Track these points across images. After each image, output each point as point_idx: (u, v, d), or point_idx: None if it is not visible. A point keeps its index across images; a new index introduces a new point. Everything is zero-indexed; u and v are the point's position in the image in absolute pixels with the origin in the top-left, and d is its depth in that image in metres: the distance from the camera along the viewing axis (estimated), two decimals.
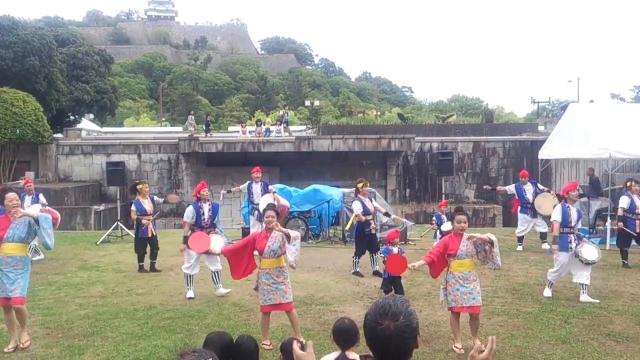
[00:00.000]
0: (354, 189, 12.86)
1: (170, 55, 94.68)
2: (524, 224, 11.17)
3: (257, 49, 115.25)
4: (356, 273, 8.80)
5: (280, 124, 23.42)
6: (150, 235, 9.29)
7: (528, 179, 11.37)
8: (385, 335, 1.76)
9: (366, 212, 8.80)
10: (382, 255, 7.49)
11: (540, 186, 11.37)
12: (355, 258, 8.94)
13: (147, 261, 9.38)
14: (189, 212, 7.61)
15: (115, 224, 13.59)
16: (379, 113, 50.63)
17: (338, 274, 8.94)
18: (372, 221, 8.86)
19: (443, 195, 15.23)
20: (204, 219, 7.59)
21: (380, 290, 7.46)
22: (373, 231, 8.85)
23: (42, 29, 27.18)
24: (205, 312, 6.78)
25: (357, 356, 2.83)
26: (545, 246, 10.68)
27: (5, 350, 5.42)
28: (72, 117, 28.03)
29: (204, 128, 25.98)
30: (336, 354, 3.05)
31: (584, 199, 12.77)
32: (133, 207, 9.29)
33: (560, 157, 14.51)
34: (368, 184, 9.24)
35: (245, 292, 7.44)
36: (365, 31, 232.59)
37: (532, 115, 49.50)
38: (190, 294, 7.45)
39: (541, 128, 25.06)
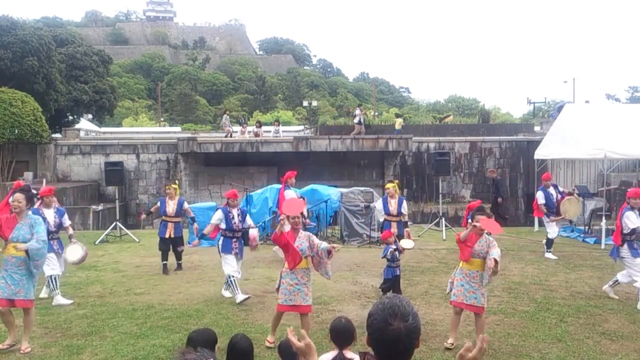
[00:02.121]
0: (352, 189, 12.95)
1: (169, 55, 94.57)
2: (553, 227, 10.53)
3: (255, 50, 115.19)
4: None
5: (361, 121, 22.84)
6: (168, 236, 9.16)
7: (551, 182, 10.94)
8: (395, 335, 1.78)
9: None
10: (384, 256, 7.52)
11: (560, 188, 10.95)
12: None
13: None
14: (218, 216, 7.55)
15: (114, 223, 13.61)
16: (376, 113, 50.72)
17: (336, 273, 8.94)
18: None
19: (440, 195, 15.29)
20: (235, 223, 7.52)
21: (378, 289, 7.50)
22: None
23: (41, 29, 27.14)
24: (203, 312, 6.81)
25: (355, 355, 2.86)
26: (549, 255, 10.17)
27: (1, 346, 5.40)
28: (70, 117, 27.97)
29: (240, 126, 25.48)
30: (334, 353, 3.08)
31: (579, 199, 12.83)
32: (157, 204, 9.27)
33: (556, 157, 14.59)
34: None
35: (244, 292, 7.47)
36: (363, 32, 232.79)
37: (528, 116, 49.68)
38: (240, 297, 7.14)
39: (537, 128, 25.14)
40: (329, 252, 5.44)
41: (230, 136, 22.34)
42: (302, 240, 5.48)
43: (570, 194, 10.96)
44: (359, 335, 3.10)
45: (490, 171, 15.67)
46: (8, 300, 5.35)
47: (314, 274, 5.62)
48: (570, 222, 10.41)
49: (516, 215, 19.76)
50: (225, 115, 26.30)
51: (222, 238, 7.45)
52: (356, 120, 22.97)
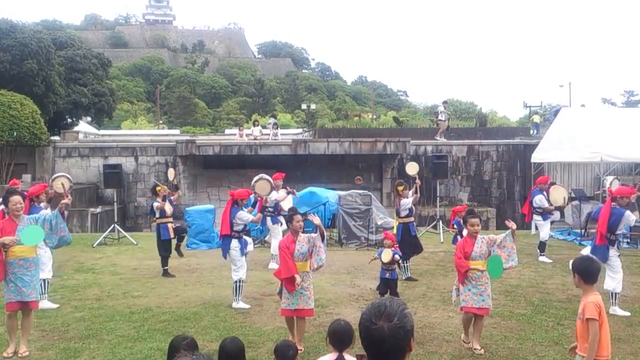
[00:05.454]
0: (350, 191, 12.98)
1: (168, 58, 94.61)
2: (545, 229, 10.67)
3: (254, 53, 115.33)
4: None
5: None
6: (172, 236, 9.31)
7: (547, 185, 10.91)
8: (379, 335, 1.78)
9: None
10: (377, 257, 7.55)
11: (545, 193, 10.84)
12: None
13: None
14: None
15: (112, 226, 13.61)
16: (374, 116, 50.86)
17: (334, 276, 8.99)
18: None
19: (438, 198, 15.33)
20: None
21: (375, 292, 7.52)
22: None
23: (40, 32, 27.11)
24: (201, 315, 6.82)
25: (353, 358, 2.87)
26: (544, 259, 10.20)
27: (4, 354, 5.41)
28: (69, 120, 27.95)
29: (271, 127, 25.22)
30: (333, 355, 3.08)
31: (575, 202, 12.90)
32: (156, 204, 9.28)
33: (552, 161, 14.65)
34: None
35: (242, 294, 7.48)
36: (361, 36, 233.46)
37: (524, 119, 49.77)
38: (241, 304, 7.10)
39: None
40: (322, 234, 5.51)
41: (269, 138, 22.12)
42: (302, 243, 5.50)
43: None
44: (357, 338, 3.11)
45: (356, 179, 16.03)
46: (20, 303, 5.37)
47: (312, 277, 5.66)
48: (562, 214, 10.26)
49: (513, 218, 19.77)
50: (272, 118, 26.30)
51: (235, 240, 7.13)
52: (441, 117, 22.30)
